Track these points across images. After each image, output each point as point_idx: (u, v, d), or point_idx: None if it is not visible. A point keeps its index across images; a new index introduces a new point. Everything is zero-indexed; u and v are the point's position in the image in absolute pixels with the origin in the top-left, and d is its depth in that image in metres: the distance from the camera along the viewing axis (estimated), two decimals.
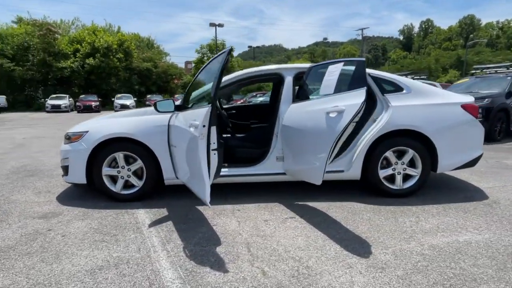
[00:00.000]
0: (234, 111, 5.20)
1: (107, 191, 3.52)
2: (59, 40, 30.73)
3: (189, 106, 3.26)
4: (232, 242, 2.61)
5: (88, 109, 23.42)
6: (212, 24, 33.45)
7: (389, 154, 3.53)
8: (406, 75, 15.21)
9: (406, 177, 3.60)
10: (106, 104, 28.04)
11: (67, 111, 23.82)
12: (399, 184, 3.57)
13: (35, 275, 2.15)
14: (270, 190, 3.88)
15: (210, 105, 2.58)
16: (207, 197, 2.50)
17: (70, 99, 25.61)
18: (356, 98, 2.75)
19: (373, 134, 3.46)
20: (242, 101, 19.73)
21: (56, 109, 23.60)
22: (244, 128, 4.88)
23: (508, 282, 2.02)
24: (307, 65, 3.76)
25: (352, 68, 3.06)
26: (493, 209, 3.25)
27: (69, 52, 30.45)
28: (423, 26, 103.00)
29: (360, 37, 50.12)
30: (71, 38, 32.62)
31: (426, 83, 11.18)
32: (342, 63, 3.18)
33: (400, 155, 3.57)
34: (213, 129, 2.66)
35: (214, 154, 2.77)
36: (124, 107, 23.31)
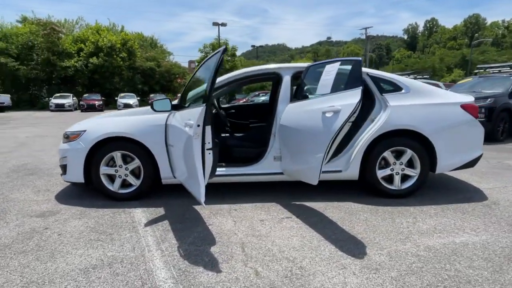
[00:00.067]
0: (233, 111, 5.20)
1: (105, 190, 3.53)
2: (63, 39, 30.91)
3: (186, 105, 3.26)
4: (227, 242, 2.61)
5: (91, 108, 23.52)
6: (215, 23, 33.50)
7: (387, 154, 3.51)
8: (408, 75, 15.13)
9: (405, 178, 3.57)
10: (110, 103, 28.14)
11: (71, 110, 23.94)
12: (397, 184, 3.55)
13: (29, 274, 2.17)
14: (267, 190, 3.87)
15: (204, 104, 2.58)
16: (202, 197, 2.50)
17: (74, 98, 25.76)
18: (352, 98, 2.74)
19: (371, 134, 3.44)
20: (244, 100, 19.74)
21: (60, 108, 23.75)
22: (244, 128, 4.88)
23: (503, 284, 2.00)
24: (305, 64, 3.75)
25: (349, 67, 3.05)
26: (492, 210, 3.21)
27: (73, 51, 30.57)
28: (428, 25, 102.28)
29: (364, 36, 49.81)
30: (75, 37, 32.71)
31: (429, 83, 11.17)
32: (339, 63, 3.16)
33: (398, 155, 3.54)
34: (208, 129, 2.66)
35: (209, 153, 2.77)
36: (127, 106, 23.42)
